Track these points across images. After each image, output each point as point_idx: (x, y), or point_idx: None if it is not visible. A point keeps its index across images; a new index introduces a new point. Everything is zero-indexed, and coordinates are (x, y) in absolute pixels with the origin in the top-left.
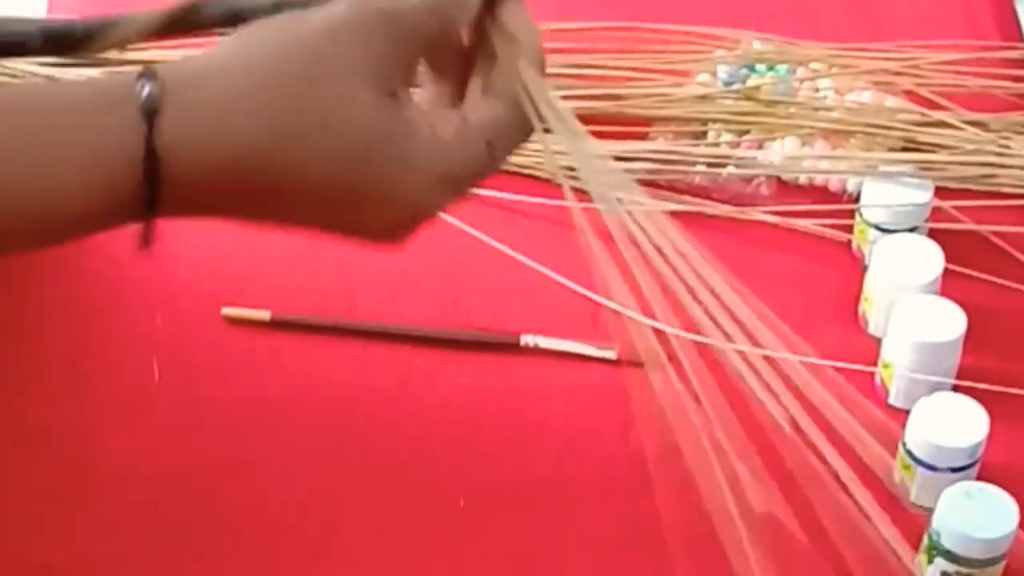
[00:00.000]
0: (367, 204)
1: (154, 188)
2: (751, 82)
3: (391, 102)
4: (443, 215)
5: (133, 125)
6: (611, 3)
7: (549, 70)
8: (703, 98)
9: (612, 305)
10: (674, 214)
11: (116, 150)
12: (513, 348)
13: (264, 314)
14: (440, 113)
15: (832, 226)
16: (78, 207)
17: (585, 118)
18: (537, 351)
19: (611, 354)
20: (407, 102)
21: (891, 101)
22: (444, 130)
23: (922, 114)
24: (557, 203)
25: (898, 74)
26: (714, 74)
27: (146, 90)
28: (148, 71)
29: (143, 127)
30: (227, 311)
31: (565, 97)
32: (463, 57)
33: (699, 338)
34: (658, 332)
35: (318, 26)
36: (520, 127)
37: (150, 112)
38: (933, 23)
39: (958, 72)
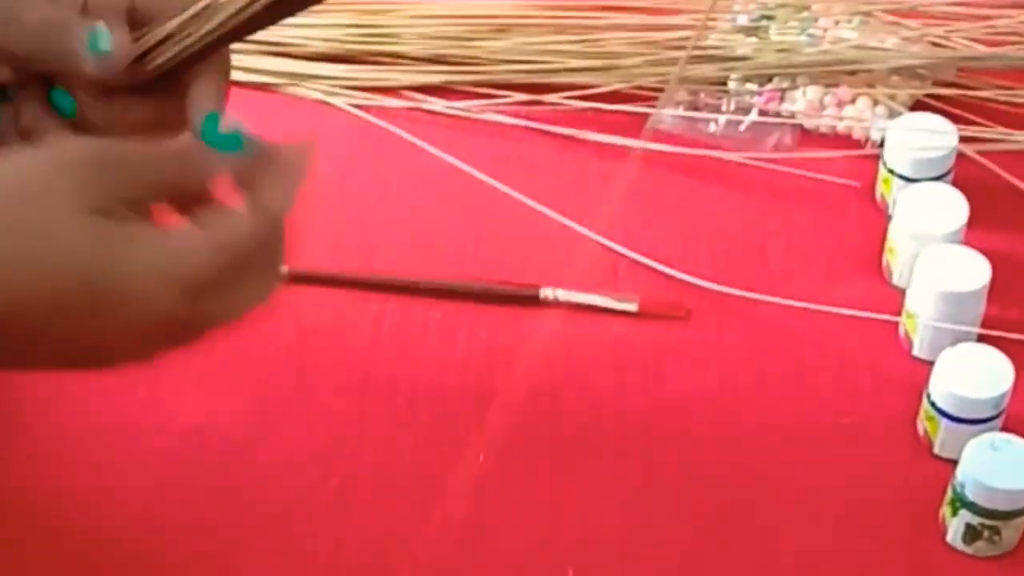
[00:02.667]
0: (97, 310)
1: None
2: (772, 30)
3: (103, 218)
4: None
5: None
6: None
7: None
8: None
9: (634, 256)
10: (696, 164)
11: None
12: (532, 301)
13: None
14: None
15: (855, 175)
16: None
17: (599, 68)
18: (557, 304)
19: (632, 307)
20: (129, 218)
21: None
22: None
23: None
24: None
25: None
26: (734, 21)
27: None
28: None
29: None
30: None
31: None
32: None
33: (723, 288)
34: (680, 282)
35: (27, 159)
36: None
37: None
38: None
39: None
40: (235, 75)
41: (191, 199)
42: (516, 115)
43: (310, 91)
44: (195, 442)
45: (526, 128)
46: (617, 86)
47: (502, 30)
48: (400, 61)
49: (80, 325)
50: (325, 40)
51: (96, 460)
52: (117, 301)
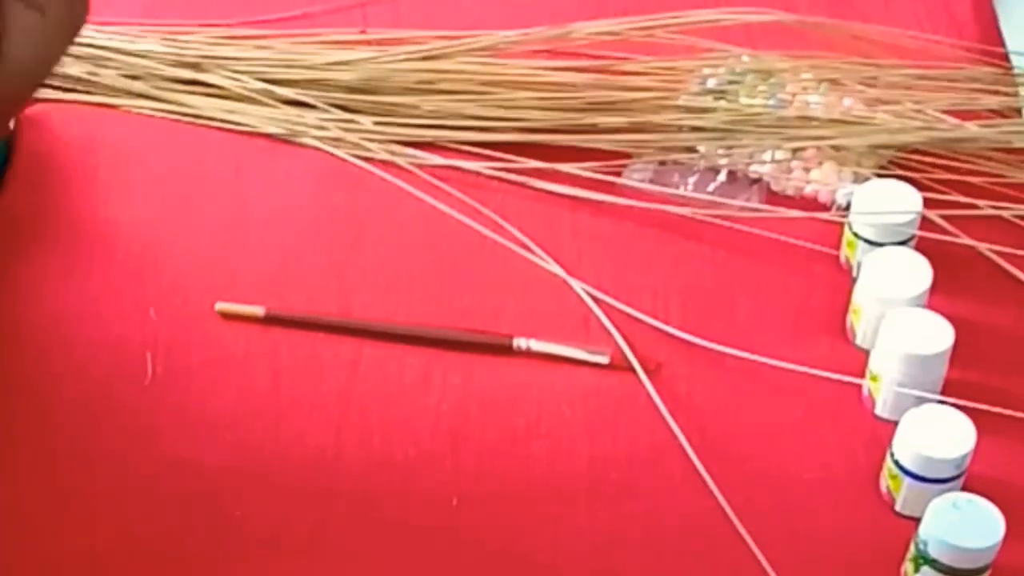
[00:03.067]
0: None
1: None
2: (741, 94)
3: None
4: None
5: None
6: (603, 10)
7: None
8: (692, 110)
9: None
10: (667, 220)
11: None
12: (506, 350)
13: (258, 310)
14: None
15: (821, 238)
16: None
17: (573, 129)
18: (529, 353)
19: (603, 358)
20: None
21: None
22: None
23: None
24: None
25: (886, 87)
26: (703, 85)
27: None
28: None
29: None
30: (221, 306)
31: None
32: None
33: (693, 339)
34: (652, 335)
35: None
36: None
37: None
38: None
39: (944, 88)
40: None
41: None
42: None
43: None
44: (172, 477)
45: (501, 179)
46: (590, 144)
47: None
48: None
49: None
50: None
51: (66, 486)
52: None
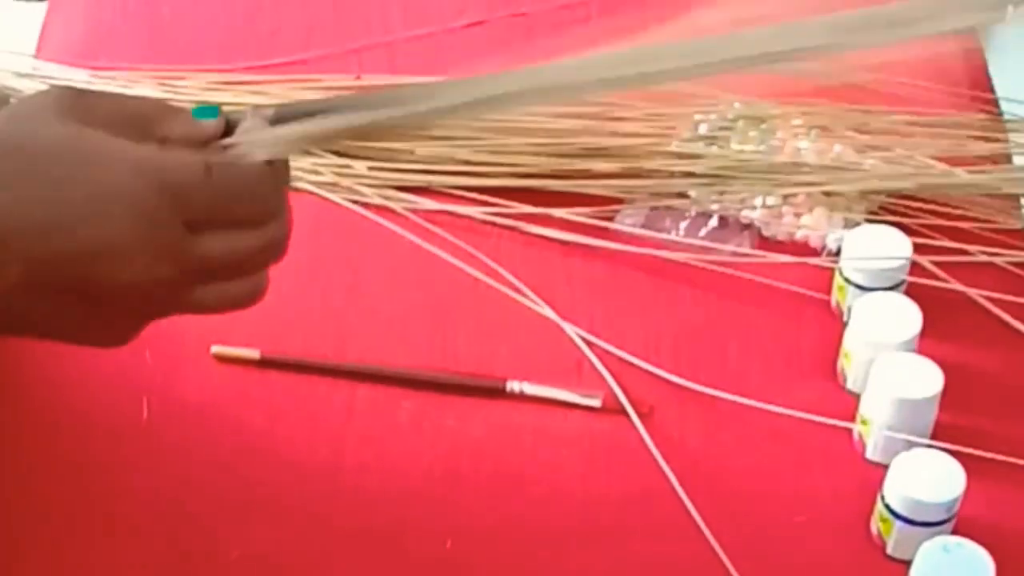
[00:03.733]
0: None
1: None
2: (733, 140)
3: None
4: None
5: None
6: None
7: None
8: (684, 155)
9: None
10: (659, 265)
11: None
12: (499, 393)
13: (254, 353)
14: None
15: (811, 283)
16: None
17: (566, 174)
18: (523, 397)
19: (596, 402)
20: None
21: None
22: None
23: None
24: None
25: (876, 133)
26: (695, 131)
27: None
28: None
29: None
30: (216, 349)
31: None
32: None
33: (685, 382)
34: (644, 378)
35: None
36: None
37: None
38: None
39: (934, 134)
40: None
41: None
42: (486, 210)
43: None
44: (167, 519)
45: (495, 224)
46: (583, 190)
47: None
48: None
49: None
50: None
51: (61, 527)
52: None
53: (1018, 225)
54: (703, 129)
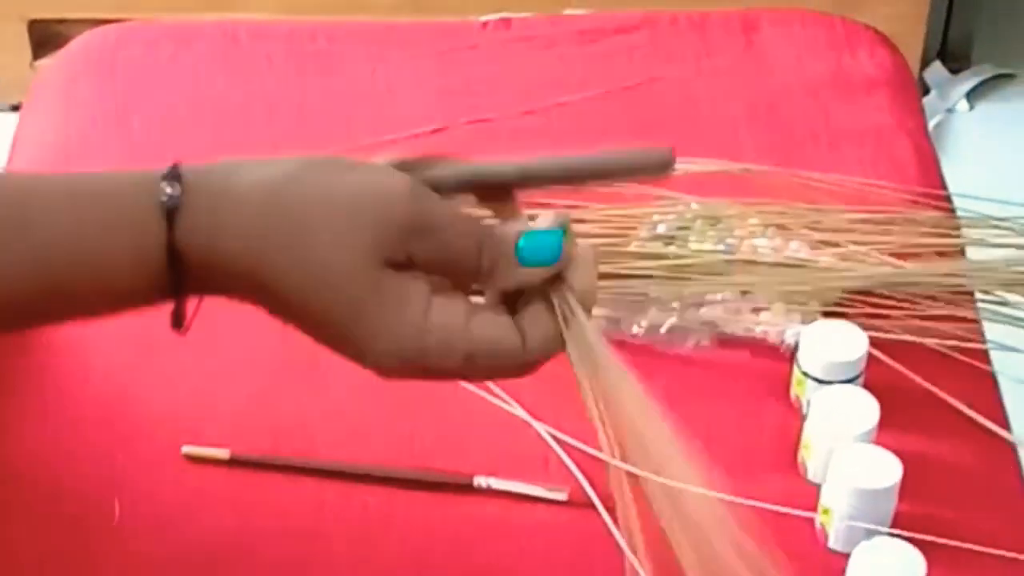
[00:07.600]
0: (344, 335)
1: (177, 272)
2: (691, 239)
3: (382, 268)
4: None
5: (157, 221)
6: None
7: None
8: (643, 255)
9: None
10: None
11: (149, 238)
12: (466, 488)
13: (223, 452)
14: (447, 297)
15: (771, 377)
16: (126, 284)
17: None
18: (490, 492)
19: (562, 496)
20: (410, 276)
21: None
22: (438, 315)
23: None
24: None
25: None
26: (653, 231)
27: (167, 191)
28: (173, 172)
29: (164, 223)
30: (187, 449)
31: None
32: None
33: (649, 475)
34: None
35: (349, 187)
36: (512, 361)
37: (170, 211)
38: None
39: (888, 231)
40: None
41: (469, 280)
42: None
43: None
44: None
45: None
46: None
47: None
48: None
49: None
50: None
51: None
52: (357, 336)
53: (973, 316)
54: (661, 229)
